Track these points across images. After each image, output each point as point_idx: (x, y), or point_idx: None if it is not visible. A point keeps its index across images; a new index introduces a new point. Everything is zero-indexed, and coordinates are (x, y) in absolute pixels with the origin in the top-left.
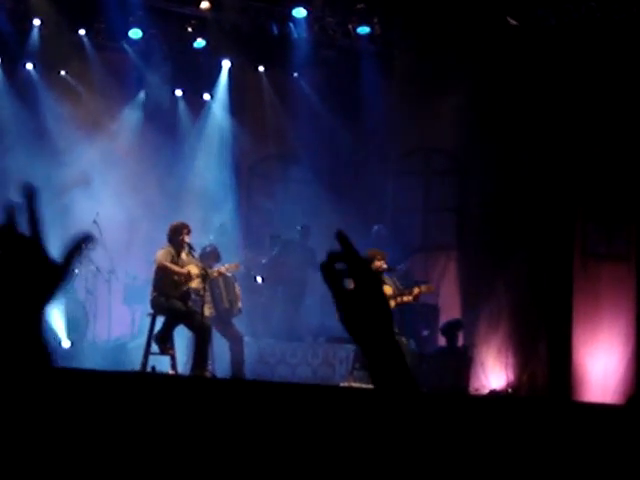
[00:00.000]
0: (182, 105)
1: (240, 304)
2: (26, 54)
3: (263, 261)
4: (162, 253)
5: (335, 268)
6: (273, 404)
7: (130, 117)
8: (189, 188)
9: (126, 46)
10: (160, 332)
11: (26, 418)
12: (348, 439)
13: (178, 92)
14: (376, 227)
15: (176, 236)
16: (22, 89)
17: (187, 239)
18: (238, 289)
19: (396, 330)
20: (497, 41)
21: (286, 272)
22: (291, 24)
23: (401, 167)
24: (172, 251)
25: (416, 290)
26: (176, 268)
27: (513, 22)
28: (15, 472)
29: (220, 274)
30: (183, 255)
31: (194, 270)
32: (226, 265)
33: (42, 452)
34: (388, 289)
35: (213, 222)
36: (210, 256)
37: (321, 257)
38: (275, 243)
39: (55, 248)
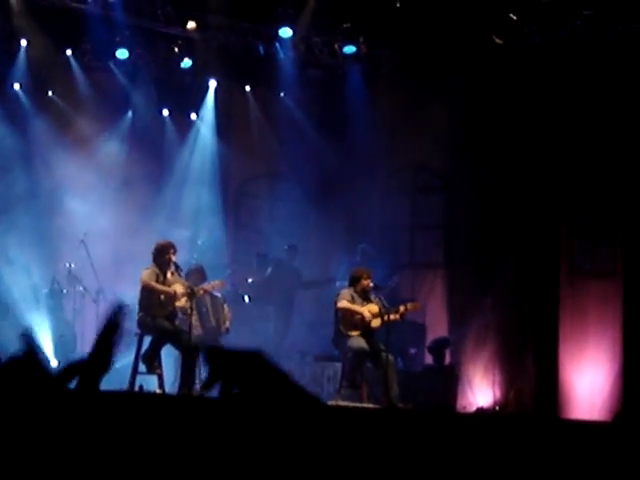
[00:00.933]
0: (169, 125)
1: (228, 324)
2: (13, 74)
3: (250, 280)
4: (147, 273)
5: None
6: (259, 421)
7: (117, 137)
8: (176, 208)
9: (113, 66)
10: (147, 351)
11: (22, 437)
12: (336, 457)
13: (165, 112)
14: (362, 245)
15: (162, 255)
16: (9, 109)
17: (173, 258)
18: (227, 310)
19: (383, 348)
20: (483, 59)
21: (276, 292)
22: (277, 44)
23: (387, 185)
24: (157, 270)
25: (402, 308)
26: (161, 287)
27: (498, 40)
28: None
29: (206, 292)
30: (169, 274)
31: (180, 289)
32: (211, 282)
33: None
34: (375, 308)
35: (201, 242)
36: (195, 274)
37: (307, 276)
38: (262, 262)
39: (40, 269)
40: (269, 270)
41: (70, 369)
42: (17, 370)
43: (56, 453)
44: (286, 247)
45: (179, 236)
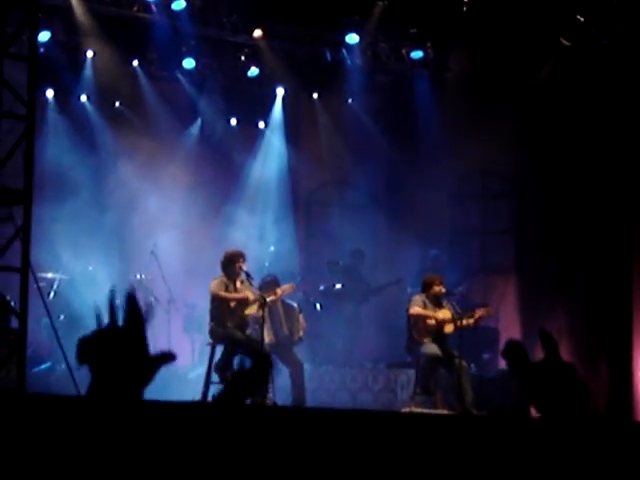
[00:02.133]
0: (237, 134)
1: (302, 333)
2: (80, 86)
3: (321, 287)
4: (215, 283)
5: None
6: (335, 431)
7: (185, 147)
8: (247, 216)
9: (180, 76)
10: (220, 361)
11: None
12: (412, 464)
13: (233, 121)
14: (433, 251)
15: (231, 264)
16: (77, 121)
17: (243, 267)
18: (302, 319)
19: (456, 353)
20: (551, 61)
21: (345, 299)
22: (344, 50)
23: (457, 190)
24: (225, 280)
25: (477, 314)
26: (231, 295)
27: (566, 42)
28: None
29: (277, 298)
30: (238, 283)
31: (250, 296)
32: (282, 287)
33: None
34: (447, 313)
35: (272, 250)
36: (270, 284)
37: (377, 282)
38: (333, 269)
39: (112, 281)
40: (338, 278)
41: (165, 356)
42: (119, 340)
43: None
44: (351, 252)
45: (250, 245)
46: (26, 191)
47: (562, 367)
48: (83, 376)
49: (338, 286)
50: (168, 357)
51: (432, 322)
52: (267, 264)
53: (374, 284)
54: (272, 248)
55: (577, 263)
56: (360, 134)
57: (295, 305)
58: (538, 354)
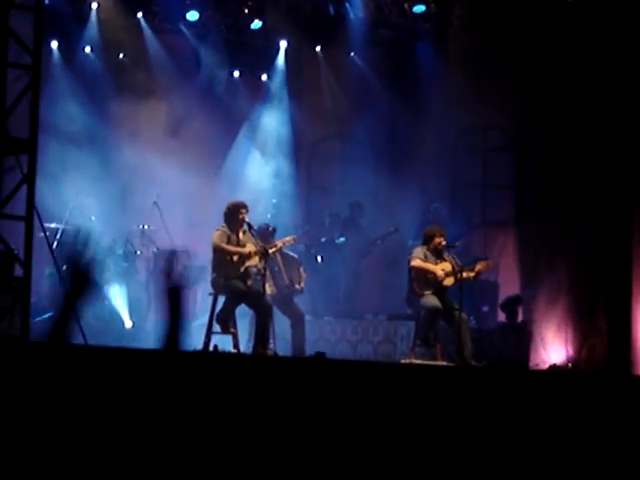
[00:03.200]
0: (240, 86)
1: (302, 284)
2: (84, 38)
3: (322, 240)
4: (217, 235)
5: None
6: (334, 381)
7: (189, 99)
8: (248, 168)
9: (183, 28)
10: (221, 312)
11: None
12: (410, 415)
13: (236, 73)
14: (434, 205)
15: (233, 215)
16: (81, 72)
17: (245, 218)
18: (302, 271)
19: (456, 306)
20: (552, 17)
21: (344, 251)
22: (347, 4)
23: (458, 144)
24: (227, 231)
25: (477, 267)
26: (233, 248)
27: None
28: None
29: (278, 249)
30: (240, 234)
31: (252, 248)
32: (283, 239)
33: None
34: (448, 266)
35: (274, 202)
36: (267, 234)
37: (374, 234)
38: (334, 221)
39: (114, 231)
40: (337, 230)
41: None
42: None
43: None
44: (350, 204)
45: (251, 197)
46: (31, 140)
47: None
48: (85, 324)
49: (342, 239)
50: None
51: (432, 275)
52: (269, 216)
53: (373, 236)
54: (274, 200)
55: (577, 217)
56: (362, 87)
57: (296, 257)
58: (537, 306)
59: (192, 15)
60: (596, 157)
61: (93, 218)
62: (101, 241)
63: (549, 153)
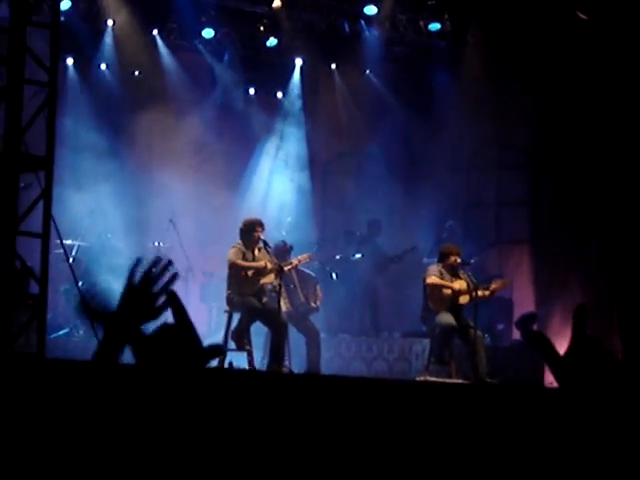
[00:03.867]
0: (255, 104)
1: (318, 303)
2: (100, 54)
3: (337, 257)
4: (233, 252)
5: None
6: (350, 399)
7: (204, 116)
8: (264, 186)
9: (199, 46)
10: (237, 329)
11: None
12: (426, 432)
13: (251, 91)
14: (449, 222)
15: (249, 232)
16: (97, 89)
17: (261, 236)
18: (319, 290)
19: (471, 324)
20: (567, 35)
21: (361, 269)
22: (362, 21)
23: (474, 162)
24: (243, 248)
25: (493, 285)
26: (248, 263)
27: (583, 16)
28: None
29: (293, 266)
30: (256, 251)
31: (268, 265)
32: (298, 257)
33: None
34: (463, 283)
35: (289, 219)
36: (282, 251)
37: (391, 251)
38: (349, 239)
39: (130, 249)
40: (353, 248)
41: (216, 349)
42: (171, 336)
43: (146, 424)
44: (368, 222)
45: (268, 215)
46: (47, 157)
47: (590, 345)
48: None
49: (358, 256)
50: (218, 351)
51: (448, 292)
52: (284, 233)
53: (390, 253)
54: (289, 219)
55: (592, 234)
56: (377, 105)
57: (312, 275)
58: (552, 324)
59: (208, 32)
60: (611, 174)
61: (109, 235)
62: (116, 259)
63: (564, 171)
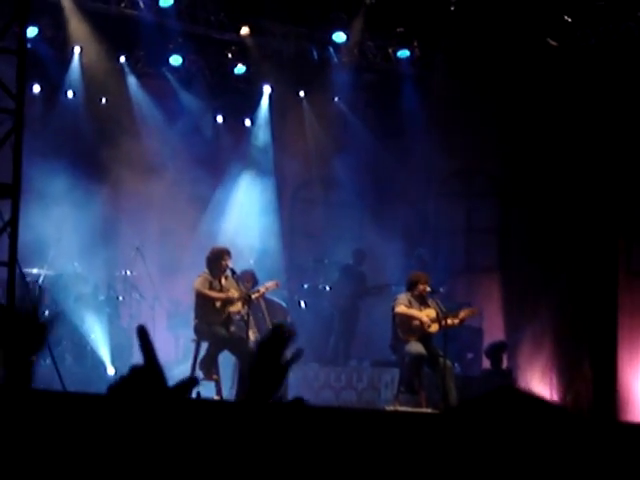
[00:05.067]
0: (223, 131)
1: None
2: (67, 81)
3: (305, 285)
4: (199, 281)
5: None
6: (317, 429)
7: (172, 143)
8: (232, 214)
9: (167, 73)
10: (204, 358)
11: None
12: (395, 463)
13: (219, 118)
14: (418, 250)
15: (216, 261)
16: (63, 116)
17: (229, 264)
18: (289, 318)
19: (441, 353)
20: (537, 62)
21: (341, 298)
22: (331, 49)
23: (443, 189)
24: (209, 277)
25: (462, 314)
26: (214, 294)
27: (553, 43)
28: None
29: (261, 294)
30: (223, 280)
31: (235, 294)
32: (265, 284)
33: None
34: (432, 312)
35: (257, 248)
36: (247, 279)
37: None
38: (318, 267)
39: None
40: (336, 275)
41: (187, 383)
42: (139, 380)
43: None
44: (352, 252)
45: (236, 243)
46: (14, 185)
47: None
48: (67, 371)
49: (327, 287)
50: (191, 383)
51: (417, 321)
52: (252, 262)
53: (369, 284)
54: (257, 246)
55: (562, 263)
56: (346, 132)
57: (283, 304)
58: (521, 352)
59: (175, 59)
60: (580, 204)
61: (76, 264)
62: (83, 287)
63: (533, 199)
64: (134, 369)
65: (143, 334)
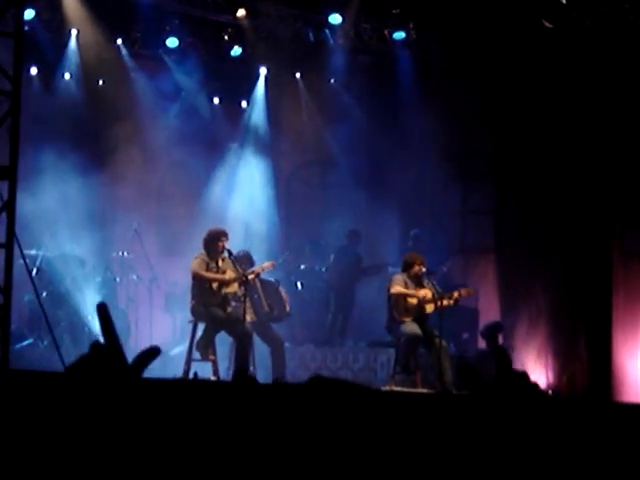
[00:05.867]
0: (219, 112)
1: (288, 307)
2: (64, 64)
3: (302, 267)
4: (196, 262)
5: None
6: (316, 409)
7: (168, 125)
8: (228, 195)
9: (163, 55)
10: (201, 339)
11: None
12: (390, 442)
13: (215, 100)
14: (414, 231)
15: (213, 242)
16: (60, 98)
17: (225, 245)
18: (284, 292)
19: (436, 333)
20: (533, 44)
21: (338, 278)
22: (327, 30)
23: (438, 170)
24: (206, 259)
25: (456, 294)
26: (211, 275)
27: (548, 25)
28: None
29: (257, 275)
30: (220, 261)
31: (231, 275)
32: (262, 265)
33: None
34: (428, 293)
35: (253, 229)
36: (242, 260)
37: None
38: (315, 248)
39: (94, 258)
40: (332, 257)
41: (143, 357)
42: (99, 359)
43: (112, 436)
44: (347, 233)
45: (233, 224)
46: (11, 167)
47: (514, 379)
48: (64, 352)
49: (322, 268)
50: (153, 353)
51: (413, 301)
52: (249, 243)
53: (364, 264)
54: (254, 227)
55: (557, 243)
56: (342, 114)
57: (272, 280)
58: (517, 333)
59: (172, 42)
60: (576, 184)
61: (73, 245)
62: (81, 268)
63: (528, 179)
64: (94, 346)
65: (103, 311)
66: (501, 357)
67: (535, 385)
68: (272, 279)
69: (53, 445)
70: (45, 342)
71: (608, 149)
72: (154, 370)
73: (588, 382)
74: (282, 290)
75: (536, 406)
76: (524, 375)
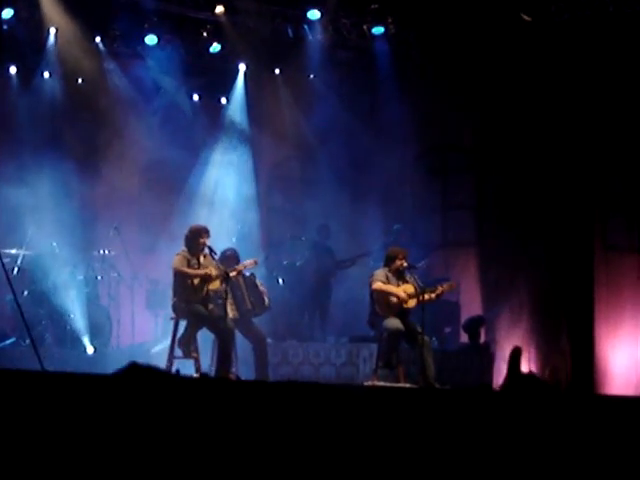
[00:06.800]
0: (199, 109)
1: (267, 300)
2: (43, 62)
3: (284, 262)
4: (178, 259)
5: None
6: (297, 405)
7: (148, 123)
8: (209, 192)
9: (142, 52)
10: (183, 336)
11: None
12: (372, 438)
13: (195, 97)
14: (396, 226)
15: (194, 239)
16: (40, 97)
17: (207, 242)
18: (261, 285)
19: (418, 328)
20: (511, 36)
21: (312, 274)
22: (306, 26)
23: (419, 166)
24: (188, 255)
25: (439, 289)
26: (192, 271)
27: (527, 18)
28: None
29: (239, 272)
30: (201, 258)
31: (213, 271)
32: (244, 262)
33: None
34: (410, 288)
35: (234, 225)
36: (230, 259)
37: (339, 255)
38: (296, 244)
39: (75, 256)
40: (305, 254)
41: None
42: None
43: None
44: (317, 228)
45: (213, 221)
46: None
47: (523, 381)
48: (46, 351)
49: (300, 262)
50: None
51: (394, 298)
52: (234, 240)
53: (339, 258)
54: (239, 226)
55: (538, 237)
56: (322, 109)
57: (248, 274)
58: (499, 326)
59: (151, 39)
60: (556, 176)
61: (54, 244)
62: (62, 267)
63: (508, 173)
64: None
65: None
66: (513, 360)
67: (545, 383)
68: (247, 273)
69: (34, 441)
70: (27, 341)
71: (588, 142)
72: None
73: (571, 375)
74: (259, 283)
75: (551, 404)
76: (533, 377)
